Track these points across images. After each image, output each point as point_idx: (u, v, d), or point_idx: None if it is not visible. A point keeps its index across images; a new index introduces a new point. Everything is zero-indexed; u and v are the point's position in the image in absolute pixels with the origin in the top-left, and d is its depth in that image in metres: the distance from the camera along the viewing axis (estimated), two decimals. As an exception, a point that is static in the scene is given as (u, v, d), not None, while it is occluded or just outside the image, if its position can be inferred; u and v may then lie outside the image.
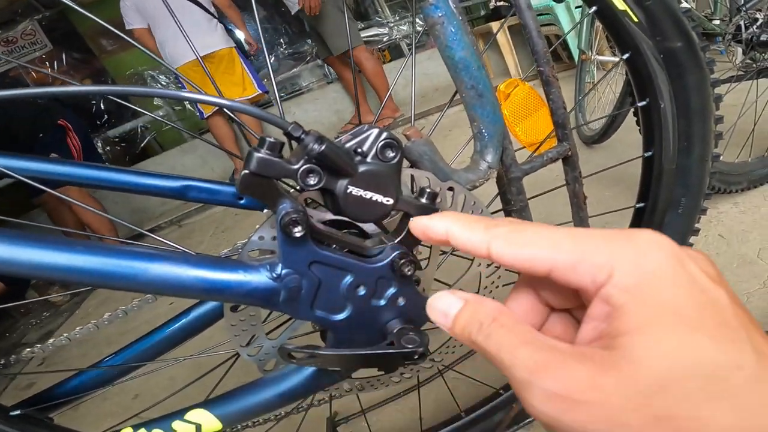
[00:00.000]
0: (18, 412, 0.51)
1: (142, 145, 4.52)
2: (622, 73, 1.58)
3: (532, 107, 0.65)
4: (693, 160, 0.70)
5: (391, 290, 0.40)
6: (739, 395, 0.17)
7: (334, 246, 0.39)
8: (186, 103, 4.22)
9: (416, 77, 0.61)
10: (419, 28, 3.23)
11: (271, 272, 0.38)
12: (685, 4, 0.62)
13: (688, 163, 0.70)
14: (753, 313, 0.20)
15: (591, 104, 1.96)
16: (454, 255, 0.51)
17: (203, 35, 2.82)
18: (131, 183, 0.57)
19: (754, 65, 1.26)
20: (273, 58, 4.46)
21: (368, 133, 0.36)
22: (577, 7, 2.67)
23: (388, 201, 0.37)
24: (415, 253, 0.41)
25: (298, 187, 0.37)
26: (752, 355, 0.18)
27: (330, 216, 0.42)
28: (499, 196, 0.63)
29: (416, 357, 0.39)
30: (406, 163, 0.42)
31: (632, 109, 0.79)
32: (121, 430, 0.47)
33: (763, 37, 1.21)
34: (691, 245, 0.76)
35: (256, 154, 0.33)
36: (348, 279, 0.39)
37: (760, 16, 1.23)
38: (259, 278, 0.38)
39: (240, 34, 3.25)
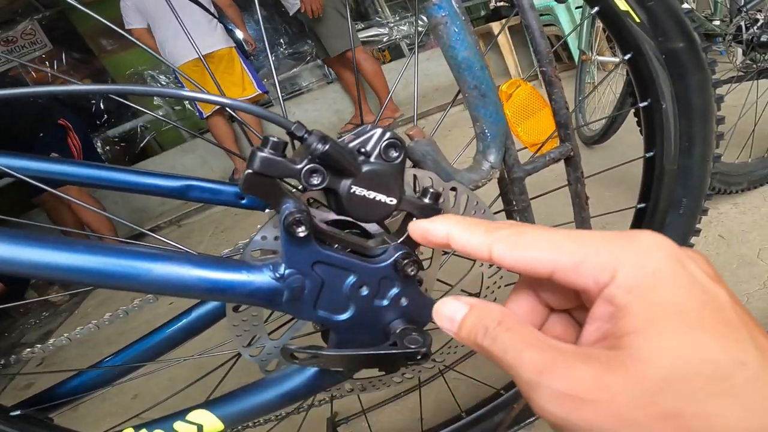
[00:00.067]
0: (18, 412, 0.51)
1: (142, 144, 4.52)
2: (622, 74, 1.58)
3: (534, 107, 0.65)
4: (694, 161, 0.70)
5: (394, 290, 0.40)
6: (743, 392, 0.18)
7: (336, 246, 0.39)
8: (186, 102, 4.22)
9: (417, 77, 0.61)
10: (420, 29, 3.23)
11: (274, 272, 0.37)
12: (686, 5, 0.62)
13: (690, 163, 0.70)
14: (753, 313, 0.20)
15: (591, 105, 1.96)
16: (456, 255, 0.51)
17: (203, 35, 2.82)
18: (132, 182, 0.57)
19: (755, 66, 1.27)
20: (273, 58, 4.46)
21: (371, 132, 0.36)
22: (577, 8, 2.67)
23: (391, 201, 0.37)
24: (417, 253, 0.41)
25: (300, 187, 0.37)
26: (755, 352, 0.18)
27: (333, 216, 0.42)
28: (500, 197, 0.63)
29: (419, 357, 0.39)
30: (409, 163, 0.42)
31: (633, 110, 0.79)
32: (122, 430, 0.47)
33: (763, 38, 1.22)
34: (692, 246, 0.76)
35: (260, 154, 0.33)
36: (351, 279, 0.39)
37: (760, 16, 1.23)
38: (262, 278, 0.37)
39: (239, 34, 3.24)
